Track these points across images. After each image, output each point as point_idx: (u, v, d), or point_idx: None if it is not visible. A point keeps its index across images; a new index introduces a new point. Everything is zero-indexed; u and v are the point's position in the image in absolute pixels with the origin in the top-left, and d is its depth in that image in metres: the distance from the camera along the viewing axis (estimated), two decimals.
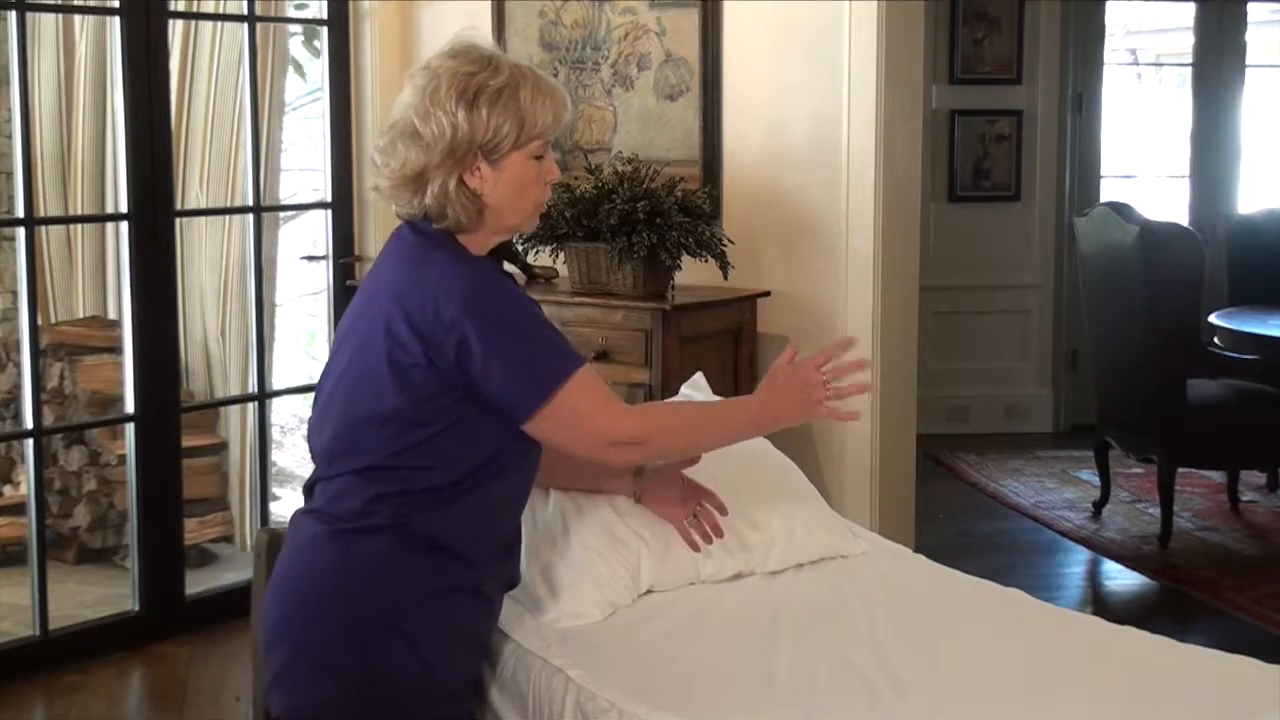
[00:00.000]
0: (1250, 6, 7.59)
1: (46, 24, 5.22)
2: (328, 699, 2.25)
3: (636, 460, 2.43)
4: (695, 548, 2.68)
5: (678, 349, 4.10)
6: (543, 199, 2.37)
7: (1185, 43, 7.73)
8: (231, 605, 4.44)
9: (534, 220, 2.41)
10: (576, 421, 2.25)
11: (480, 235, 2.34)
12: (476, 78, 2.26)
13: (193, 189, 5.11)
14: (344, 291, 4.94)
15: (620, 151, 4.58)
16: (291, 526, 2.40)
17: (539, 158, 2.32)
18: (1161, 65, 8.56)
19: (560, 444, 2.30)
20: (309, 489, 2.40)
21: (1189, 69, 7.68)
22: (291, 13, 5.42)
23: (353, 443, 2.28)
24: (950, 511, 5.82)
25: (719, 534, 2.70)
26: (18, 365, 4.83)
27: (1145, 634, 2.59)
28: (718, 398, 3.21)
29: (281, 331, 7.12)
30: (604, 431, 2.28)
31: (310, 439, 2.41)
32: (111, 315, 5.31)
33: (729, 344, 4.31)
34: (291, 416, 6.74)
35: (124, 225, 4.41)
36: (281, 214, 5.38)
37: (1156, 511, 5.54)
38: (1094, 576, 5.35)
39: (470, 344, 2.19)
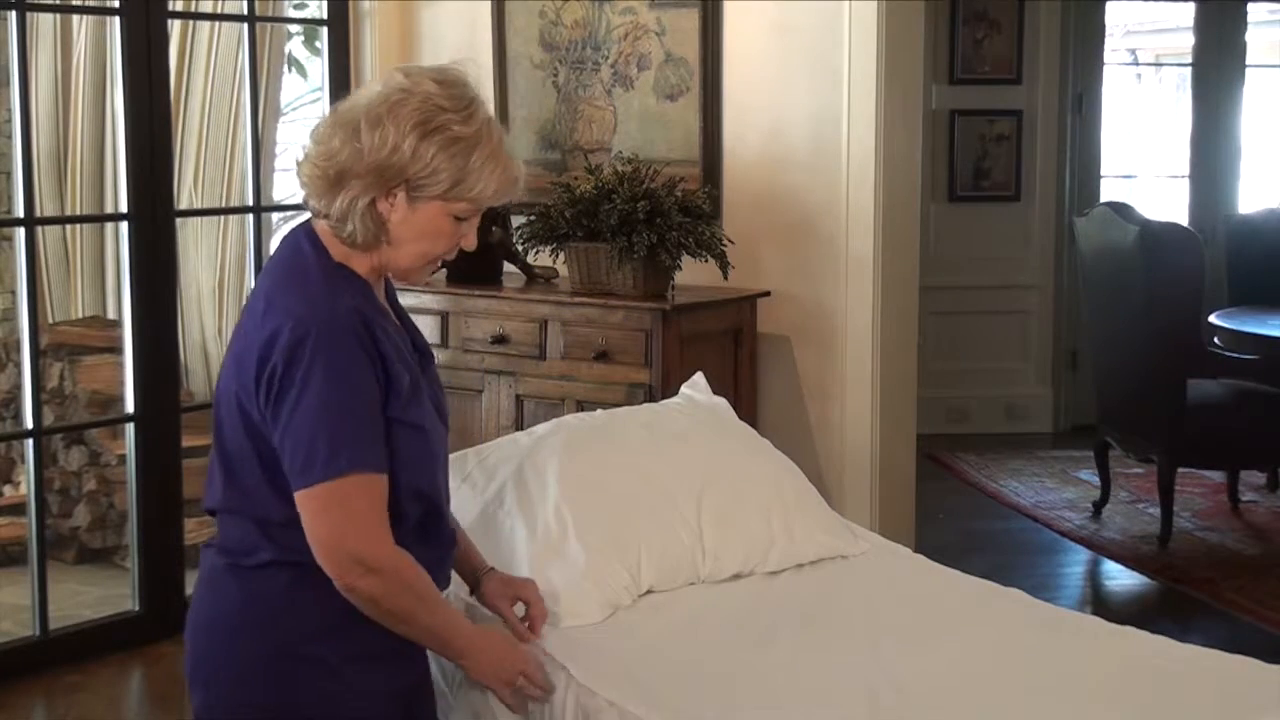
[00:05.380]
0: (1250, 6, 7.58)
1: (44, 24, 5.21)
2: None
3: (360, 588, 2.08)
4: (524, 639, 2.44)
5: (678, 349, 4.10)
6: (439, 257, 2.20)
7: (1185, 43, 7.73)
8: None
9: (422, 274, 2.24)
10: (338, 518, 2.06)
11: (368, 259, 2.18)
12: (444, 115, 2.10)
13: (186, 188, 5.10)
14: None
15: (620, 151, 4.58)
16: (202, 560, 2.26)
17: (461, 219, 2.17)
18: (1161, 65, 8.57)
19: (309, 530, 2.07)
20: (211, 512, 2.25)
21: (1189, 69, 7.67)
22: (291, 12, 5.42)
23: (230, 474, 2.17)
24: (950, 511, 5.82)
25: (536, 632, 2.48)
26: (18, 365, 4.83)
27: (1145, 634, 2.59)
28: (719, 399, 3.21)
29: None
30: (353, 545, 2.06)
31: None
32: (110, 315, 5.31)
33: (729, 344, 4.31)
34: None
35: (124, 225, 4.41)
36: (281, 214, 5.37)
37: (1156, 511, 5.54)
38: (1094, 576, 5.35)
39: (281, 380, 2.06)
